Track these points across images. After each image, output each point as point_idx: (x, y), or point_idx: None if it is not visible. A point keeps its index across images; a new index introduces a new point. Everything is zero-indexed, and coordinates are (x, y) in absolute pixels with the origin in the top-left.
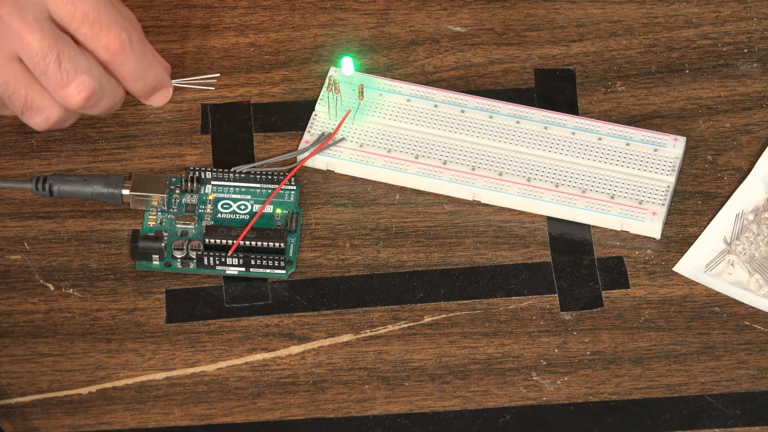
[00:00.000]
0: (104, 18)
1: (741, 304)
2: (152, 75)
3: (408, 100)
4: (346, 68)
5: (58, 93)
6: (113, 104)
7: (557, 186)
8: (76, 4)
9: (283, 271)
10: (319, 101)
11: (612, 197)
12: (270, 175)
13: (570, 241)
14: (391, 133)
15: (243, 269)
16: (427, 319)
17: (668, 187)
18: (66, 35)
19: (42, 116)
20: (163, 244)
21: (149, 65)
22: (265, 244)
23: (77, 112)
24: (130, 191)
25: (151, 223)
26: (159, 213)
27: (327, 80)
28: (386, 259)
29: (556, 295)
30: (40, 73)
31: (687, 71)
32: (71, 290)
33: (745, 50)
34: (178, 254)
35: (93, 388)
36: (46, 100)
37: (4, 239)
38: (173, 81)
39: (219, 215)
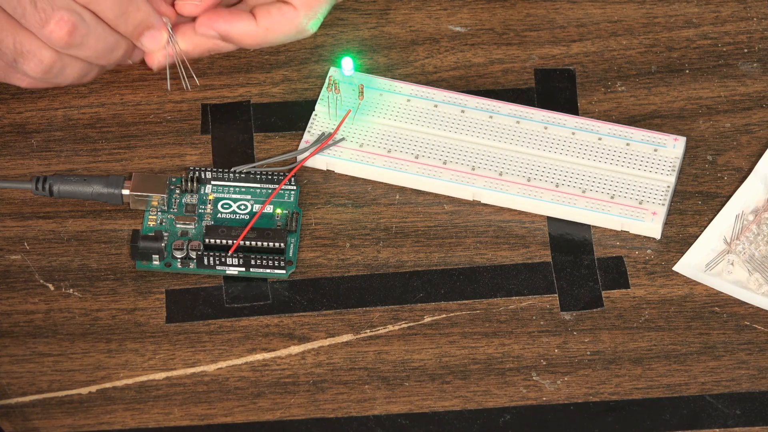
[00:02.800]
0: None
1: (741, 304)
2: (133, 10)
3: (408, 100)
4: (346, 68)
5: (41, 33)
6: (107, 47)
7: (557, 186)
8: None
9: (283, 271)
10: (319, 101)
11: (612, 197)
12: (270, 175)
13: (570, 241)
14: (391, 133)
15: (243, 269)
16: (427, 319)
17: (668, 187)
18: None
19: (34, 61)
20: (163, 244)
21: (129, 1)
22: (265, 244)
23: (71, 54)
24: (130, 191)
25: (151, 223)
26: (159, 213)
27: (327, 80)
28: (386, 259)
29: (556, 295)
30: (20, 17)
31: (687, 71)
32: (71, 290)
33: (745, 50)
34: (178, 254)
35: (93, 388)
36: (34, 43)
37: (4, 239)
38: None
39: (219, 215)
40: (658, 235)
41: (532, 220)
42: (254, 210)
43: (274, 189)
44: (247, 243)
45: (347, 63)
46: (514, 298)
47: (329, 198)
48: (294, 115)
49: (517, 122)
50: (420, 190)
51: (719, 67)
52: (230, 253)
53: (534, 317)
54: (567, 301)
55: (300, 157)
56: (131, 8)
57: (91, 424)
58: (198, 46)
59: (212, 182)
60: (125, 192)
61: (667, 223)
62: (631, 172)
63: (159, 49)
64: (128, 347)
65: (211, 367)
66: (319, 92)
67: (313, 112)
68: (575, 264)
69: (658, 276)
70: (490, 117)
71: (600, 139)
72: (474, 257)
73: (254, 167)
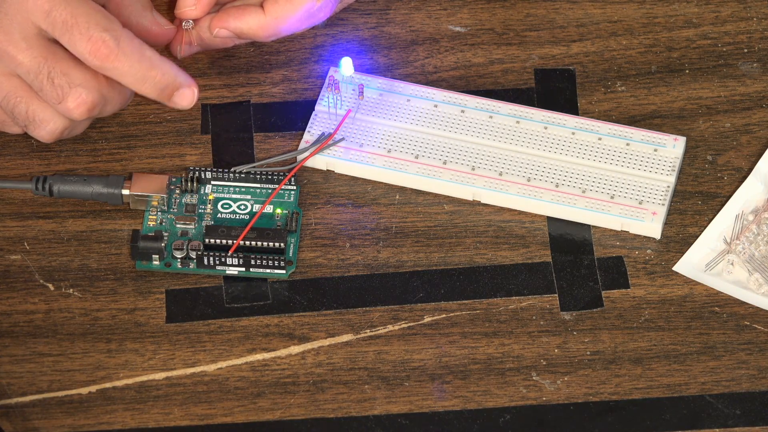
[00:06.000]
0: (83, 23)
1: (741, 304)
2: (157, 75)
3: (408, 100)
4: (346, 68)
5: (58, 107)
6: (122, 105)
7: (557, 186)
8: (53, 14)
9: (283, 271)
10: (319, 101)
11: (612, 197)
12: (270, 175)
13: (570, 241)
14: (391, 133)
15: (243, 269)
16: (427, 319)
17: (668, 187)
18: (59, 49)
19: (46, 129)
20: (163, 244)
21: (150, 66)
22: (265, 244)
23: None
24: (130, 191)
25: (151, 223)
26: (159, 213)
27: (327, 80)
28: (386, 259)
29: (556, 295)
30: (37, 90)
31: (687, 71)
32: (71, 290)
33: (745, 50)
34: (178, 254)
35: (93, 388)
36: (48, 113)
37: (4, 239)
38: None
39: (219, 215)
40: (658, 235)
41: (532, 220)
42: (254, 210)
43: (274, 189)
44: (247, 243)
45: (347, 63)
46: (514, 298)
47: (329, 198)
48: (294, 115)
49: (517, 122)
50: (420, 190)
51: (719, 67)
52: (230, 253)
53: (534, 317)
54: (567, 301)
55: (300, 157)
56: (152, 72)
57: (91, 424)
58: (214, 40)
59: (212, 182)
60: (125, 192)
61: (667, 223)
62: (631, 172)
63: (191, 104)
64: (128, 347)
65: (211, 367)
66: (319, 92)
67: (313, 112)
68: (575, 264)
69: (658, 276)
70: (490, 117)
71: (600, 139)
72: (474, 257)
73: (254, 167)
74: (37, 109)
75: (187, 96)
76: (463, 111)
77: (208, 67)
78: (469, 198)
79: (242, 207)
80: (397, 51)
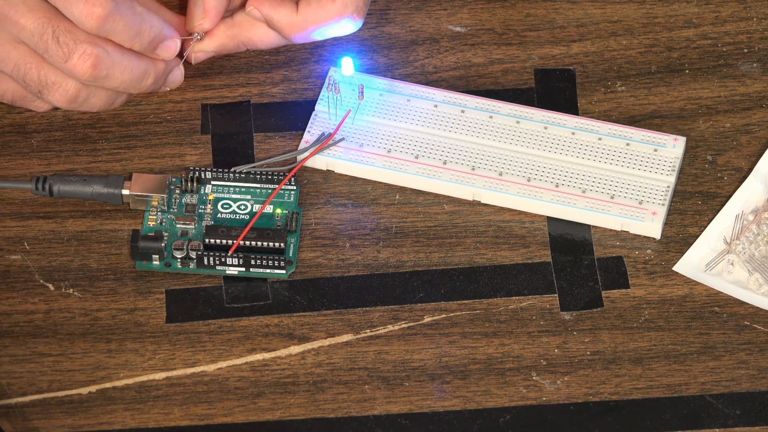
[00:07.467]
0: None
1: (741, 304)
2: (147, 30)
3: (408, 100)
4: (346, 68)
5: (65, 67)
6: (134, 77)
7: (557, 186)
8: None
9: (283, 271)
10: (319, 101)
11: (612, 197)
12: (270, 175)
13: (570, 241)
14: (391, 133)
15: (243, 269)
16: (427, 319)
17: (668, 187)
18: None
19: (59, 91)
20: (163, 244)
21: (141, 21)
22: (265, 244)
23: (97, 85)
24: (130, 191)
25: (151, 223)
26: (159, 213)
27: (327, 80)
28: (386, 259)
29: (556, 295)
30: (42, 52)
31: (687, 71)
32: (71, 290)
33: (745, 50)
34: (178, 254)
35: (93, 388)
36: (58, 75)
37: (4, 239)
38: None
39: (219, 215)
40: (658, 235)
41: (532, 220)
42: (254, 210)
43: (274, 189)
44: (247, 243)
45: (347, 63)
46: (514, 298)
47: (329, 198)
48: (294, 115)
49: (517, 122)
50: (420, 190)
51: (719, 67)
52: (230, 253)
53: (534, 317)
54: (567, 301)
55: (300, 157)
56: (144, 27)
57: (91, 424)
58: (226, 44)
59: (212, 182)
60: (125, 192)
61: (667, 223)
62: (631, 172)
63: (174, 55)
64: (128, 347)
65: (211, 367)
66: (319, 92)
67: (313, 112)
68: (575, 264)
69: (658, 276)
70: (490, 117)
71: (600, 139)
72: (474, 257)
73: (254, 167)
74: (48, 72)
75: (170, 48)
76: (463, 111)
77: (208, 67)
78: (469, 198)
79: (242, 207)
80: (397, 51)
